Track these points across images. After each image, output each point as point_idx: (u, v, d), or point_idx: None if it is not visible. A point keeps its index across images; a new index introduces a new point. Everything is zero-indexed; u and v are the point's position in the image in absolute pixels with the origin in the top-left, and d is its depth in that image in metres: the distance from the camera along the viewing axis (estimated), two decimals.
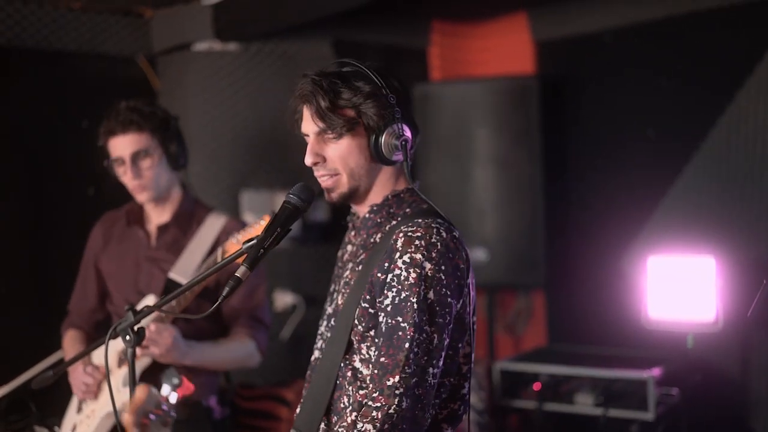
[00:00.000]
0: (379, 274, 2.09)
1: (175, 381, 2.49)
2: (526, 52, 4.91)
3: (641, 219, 4.40)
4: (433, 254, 2.05)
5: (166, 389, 2.48)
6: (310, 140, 2.17)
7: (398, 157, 2.15)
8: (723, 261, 3.73)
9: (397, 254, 2.07)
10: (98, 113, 3.13)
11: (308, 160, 2.18)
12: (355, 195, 2.20)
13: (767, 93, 3.98)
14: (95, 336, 3.30)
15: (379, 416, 1.98)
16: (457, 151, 4.59)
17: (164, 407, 2.20)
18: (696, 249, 3.82)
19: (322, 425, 2.18)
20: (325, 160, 2.16)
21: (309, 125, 2.17)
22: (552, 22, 4.78)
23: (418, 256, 2.05)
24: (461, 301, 2.12)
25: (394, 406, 1.99)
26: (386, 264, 2.08)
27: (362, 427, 1.99)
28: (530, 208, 4.51)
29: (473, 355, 2.22)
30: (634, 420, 3.80)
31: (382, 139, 2.13)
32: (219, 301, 2.03)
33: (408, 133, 2.16)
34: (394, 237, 2.09)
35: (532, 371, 4.06)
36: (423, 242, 2.06)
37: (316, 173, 2.19)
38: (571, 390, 3.95)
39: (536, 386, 3.99)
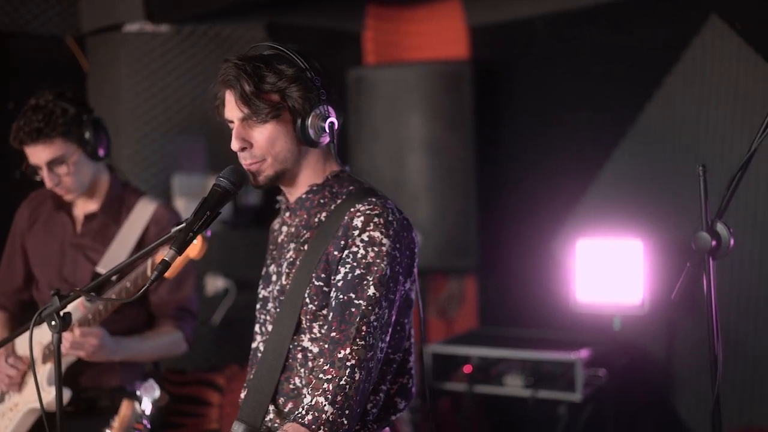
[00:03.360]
0: (335, 252, 2.10)
1: (156, 395, 2.49)
2: (459, 37, 4.93)
3: (571, 203, 4.46)
4: (391, 232, 2.08)
5: (146, 403, 2.48)
6: (236, 126, 2.15)
7: (325, 139, 2.15)
8: (650, 244, 3.81)
9: (356, 232, 2.08)
10: (25, 94, 3.06)
11: (235, 146, 2.16)
12: (281, 178, 2.19)
13: (693, 79, 4.06)
14: (20, 317, 3.24)
15: (331, 388, 1.99)
16: (391, 135, 4.60)
17: (143, 420, 2.20)
18: (624, 232, 3.89)
19: (271, 408, 2.18)
20: (251, 145, 2.14)
21: (233, 111, 2.15)
22: (486, 7, 4.80)
23: (377, 234, 2.07)
24: (410, 279, 2.15)
25: (346, 377, 2.00)
26: (342, 242, 2.09)
27: (313, 400, 1.99)
28: (463, 193, 4.54)
29: (412, 331, 2.26)
30: (562, 401, 3.87)
31: (308, 122, 2.12)
32: (147, 284, 2.01)
33: (334, 116, 2.16)
34: (350, 215, 2.10)
35: (463, 354, 4.10)
36: (381, 220, 2.08)
37: (242, 159, 2.16)
38: (501, 372, 4.01)
39: (467, 369, 4.03)
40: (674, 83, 4.12)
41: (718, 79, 3.99)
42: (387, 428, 2.24)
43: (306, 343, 2.14)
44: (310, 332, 2.13)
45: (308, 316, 2.13)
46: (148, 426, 2.19)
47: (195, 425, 3.72)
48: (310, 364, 2.12)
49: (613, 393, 3.91)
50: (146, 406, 2.46)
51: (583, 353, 3.84)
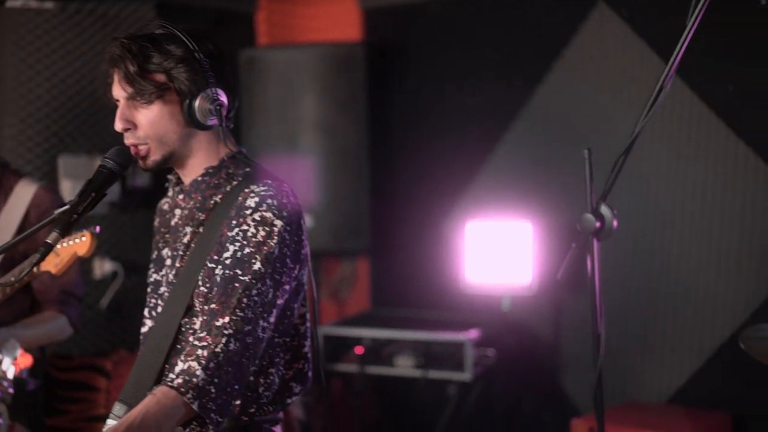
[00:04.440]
0: (228, 233, 2.08)
1: (16, 353, 2.38)
2: (352, 19, 4.93)
3: (462, 185, 4.51)
4: (284, 213, 2.07)
5: (5, 363, 2.37)
6: (120, 105, 2.11)
7: (213, 121, 2.12)
8: (539, 226, 3.89)
9: (249, 211, 2.06)
10: None
11: (117, 126, 2.11)
12: (171, 161, 2.16)
13: (582, 64, 4.15)
14: None
15: (205, 354, 1.95)
16: (283, 117, 4.58)
17: (4, 383, 2.12)
18: (514, 214, 3.96)
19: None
20: (135, 126, 2.11)
21: (118, 90, 2.10)
22: None
23: (269, 214, 2.05)
24: (300, 262, 2.14)
25: (221, 345, 1.96)
26: (234, 222, 2.07)
27: (185, 365, 1.95)
28: (355, 175, 4.55)
29: (308, 315, 2.25)
30: (452, 381, 3.93)
31: (196, 104, 2.09)
32: (31, 267, 1.96)
33: (223, 98, 2.13)
34: (244, 196, 2.08)
35: (354, 336, 4.12)
36: (275, 202, 2.06)
37: (125, 140, 2.12)
38: (392, 353, 4.04)
39: (358, 350, 4.05)
40: (563, 68, 4.20)
41: (606, 65, 4.09)
42: (281, 412, 2.24)
43: (198, 326, 2.10)
44: (203, 315, 2.10)
45: (200, 299, 2.10)
46: (10, 390, 2.10)
47: (81, 411, 3.65)
48: None
49: (502, 372, 3.99)
50: (7, 367, 2.36)
51: (473, 334, 3.90)
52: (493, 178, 4.43)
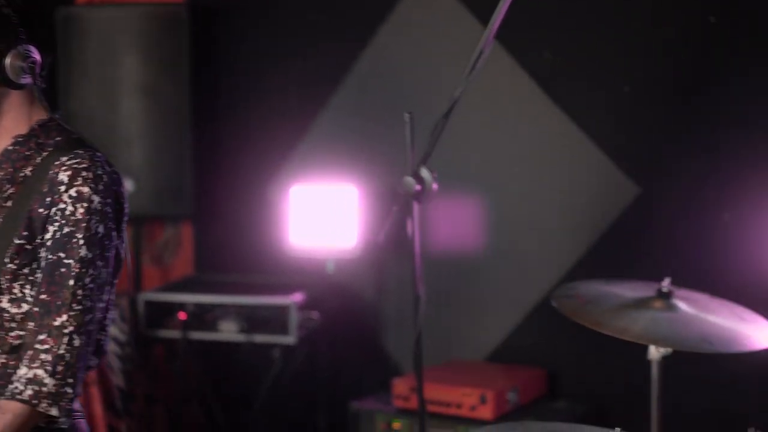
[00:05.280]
0: (40, 210, 1.98)
1: None
2: None
3: (287, 149, 4.50)
4: (100, 187, 1.98)
5: None
6: None
7: (26, 80, 2.03)
8: (364, 190, 3.92)
9: (63, 188, 1.96)
10: None
11: None
12: None
13: (407, 30, 4.20)
14: None
15: (50, 359, 1.89)
16: (103, 78, 4.43)
17: None
18: (338, 178, 3.98)
19: None
20: None
21: None
22: None
23: (86, 189, 1.96)
24: (121, 235, 2.08)
25: (65, 345, 1.91)
26: (49, 198, 1.97)
27: (31, 373, 1.89)
28: (178, 138, 4.46)
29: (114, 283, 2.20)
30: (277, 344, 3.94)
31: (6, 61, 2.00)
32: None
33: (37, 55, 2.05)
34: (55, 169, 1.98)
35: (177, 301, 4.06)
36: (90, 174, 1.97)
37: None
38: (216, 318, 4.01)
39: (181, 315, 4.00)
40: (388, 33, 4.24)
41: (429, 30, 4.15)
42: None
43: (5, 305, 2.01)
44: (10, 293, 2.00)
45: (7, 276, 2.00)
46: None
47: None
48: (6, 324, 2.01)
49: (326, 334, 4.03)
50: None
51: (297, 297, 3.92)
52: (318, 142, 4.44)
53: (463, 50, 3.98)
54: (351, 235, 3.89)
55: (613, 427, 1.83)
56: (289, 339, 3.89)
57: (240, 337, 3.94)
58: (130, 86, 4.43)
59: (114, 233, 2.03)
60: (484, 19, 3.90)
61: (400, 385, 3.65)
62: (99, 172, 2.00)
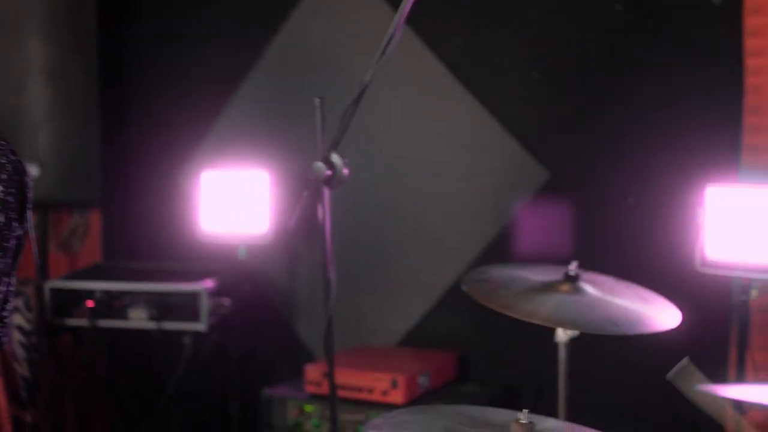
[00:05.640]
0: None
1: None
2: None
3: (199, 135, 4.45)
4: (3, 176, 1.94)
5: None
6: None
7: None
8: (276, 175, 3.90)
9: None
10: None
11: None
12: None
13: (319, 14, 4.18)
14: None
15: None
16: (6, 61, 4.31)
17: None
18: (250, 164, 3.95)
19: None
20: None
21: None
22: None
23: None
24: (24, 225, 2.04)
25: None
26: None
27: None
28: (85, 122, 4.37)
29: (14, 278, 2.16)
30: (187, 331, 3.90)
31: None
32: None
33: None
34: None
35: (84, 288, 3.99)
36: None
37: None
38: (125, 305, 3.95)
39: (89, 303, 3.93)
40: (300, 17, 4.22)
41: (341, 15, 4.14)
42: None
43: None
44: None
45: None
46: None
47: None
48: None
49: (238, 320, 4.00)
50: None
51: (208, 283, 3.88)
52: (229, 128, 4.40)
53: (375, 35, 3.99)
54: (262, 220, 3.87)
55: (521, 410, 1.85)
56: (200, 326, 3.85)
57: (150, 325, 3.88)
58: (35, 69, 4.32)
59: (15, 223, 1.99)
60: (395, 3, 3.91)
61: (312, 371, 3.65)
62: (2, 161, 1.96)
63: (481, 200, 3.97)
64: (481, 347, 3.97)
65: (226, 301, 3.93)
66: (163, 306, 3.90)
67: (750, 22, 3.38)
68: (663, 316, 2.63)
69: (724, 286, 3.39)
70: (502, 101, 3.89)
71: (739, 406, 3.31)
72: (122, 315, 3.93)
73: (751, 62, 3.38)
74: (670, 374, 2.08)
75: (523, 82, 3.85)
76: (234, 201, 3.94)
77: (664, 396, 3.60)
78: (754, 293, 3.25)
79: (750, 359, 3.35)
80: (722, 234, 3.18)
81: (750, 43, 3.38)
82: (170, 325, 3.88)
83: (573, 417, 2.50)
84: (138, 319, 3.91)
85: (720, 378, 3.44)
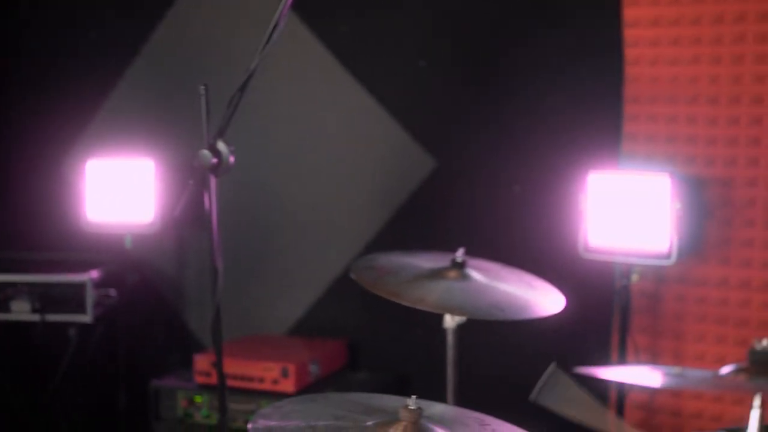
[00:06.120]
0: None
1: None
2: None
3: (82, 122, 4.36)
4: None
5: None
6: None
7: None
8: (161, 164, 3.84)
9: None
10: None
11: None
12: None
13: (204, 1, 4.13)
14: None
15: None
16: None
17: None
18: (135, 152, 3.88)
19: None
20: None
21: None
22: None
23: None
24: None
25: None
26: None
27: None
28: None
29: None
30: (73, 323, 3.81)
31: None
32: None
33: None
34: None
35: None
36: None
37: None
38: (7, 297, 3.84)
39: None
40: (185, 4, 4.16)
41: (229, 2, 4.10)
42: None
43: None
44: None
45: None
46: None
47: None
48: None
49: (125, 311, 3.93)
50: None
51: (93, 274, 3.80)
52: (114, 116, 4.32)
53: (262, 22, 3.96)
54: (148, 210, 3.81)
55: (410, 396, 1.86)
56: (86, 318, 3.77)
57: (33, 317, 3.79)
58: None
59: None
60: None
61: (201, 361, 3.62)
62: None
63: (370, 189, 3.99)
64: (371, 335, 3.99)
65: (113, 292, 3.86)
66: (47, 298, 3.80)
67: (628, 12, 3.47)
68: (548, 301, 2.69)
69: (607, 271, 3.49)
70: (389, 90, 3.91)
71: (622, 388, 3.42)
72: (5, 307, 3.82)
73: (629, 52, 3.47)
74: (535, 393, 2.12)
75: (410, 70, 3.88)
76: (119, 190, 3.86)
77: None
78: (634, 278, 3.35)
79: (631, 342, 3.46)
80: (604, 220, 3.27)
81: (628, 33, 3.47)
82: (55, 317, 3.79)
83: (462, 402, 2.53)
84: (21, 311, 3.81)
85: (603, 361, 3.54)
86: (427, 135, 3.86)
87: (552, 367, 2.44)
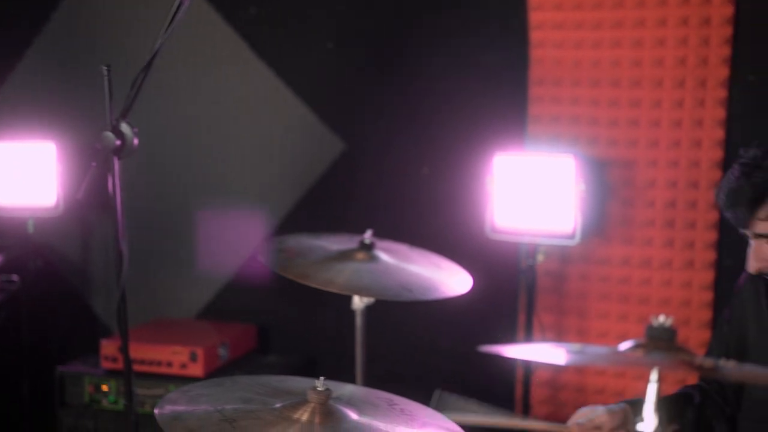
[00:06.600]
0: None
1: None
2: None
3: None
4: None
5: None
6: None
7: None
8: (63, 146, 3.76)
9: None
10: None
11: None
12: None
13: None
14: None
15: None
16: None
17: None
18: (36, 134, 3.79)
19: None
20: None
21: None
22: None
23: None
24: None
25: None
26: None
27: None
28: None
29: None
30: None
31: None
32: None
33: None
34: None
35: None
36: None
37: None
38: None
39: None
40: None
41: None
42: None
43: None
44: None
45: None
46: None
47: None
48: None
49: (27, 296, 3.85)
50: None
51: None
52: (13, 98, 4.21)
53: (168, 1, 3.91)
54: (50, 193, 3.72)
55: (319, 377, 1.87)
56: None
57: None
58: None
59: None
60: None
61: (108, 346, 3.57)
62: None
63: (279, 171, 3.97)
64: (281, 318, 3.98)
65: (15, 277, 3.78)
66: None
67: None
68: (455, 281, 2.72)
69: (513, 252, 3.54)
70: (297, 72, 3.89)
71: (528, 366, 3.48)
72: None
73: (534, 35, 3.52)
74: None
75: (318, 52, 3.86)
76: (20, 173, 3.77)
77: (456, 360, 3.74)
78: (540, 258, 3.41)
79: (537, 321, 3.52)
80: (510, 201, 3.32)
81: (533, 16, 3.51)
82: None
83: (370, 382, 2.55)
84: None
85: (510, 340, 3.60)
86: (335, 117, 3.85)
87: (437, 393, 2.49)
